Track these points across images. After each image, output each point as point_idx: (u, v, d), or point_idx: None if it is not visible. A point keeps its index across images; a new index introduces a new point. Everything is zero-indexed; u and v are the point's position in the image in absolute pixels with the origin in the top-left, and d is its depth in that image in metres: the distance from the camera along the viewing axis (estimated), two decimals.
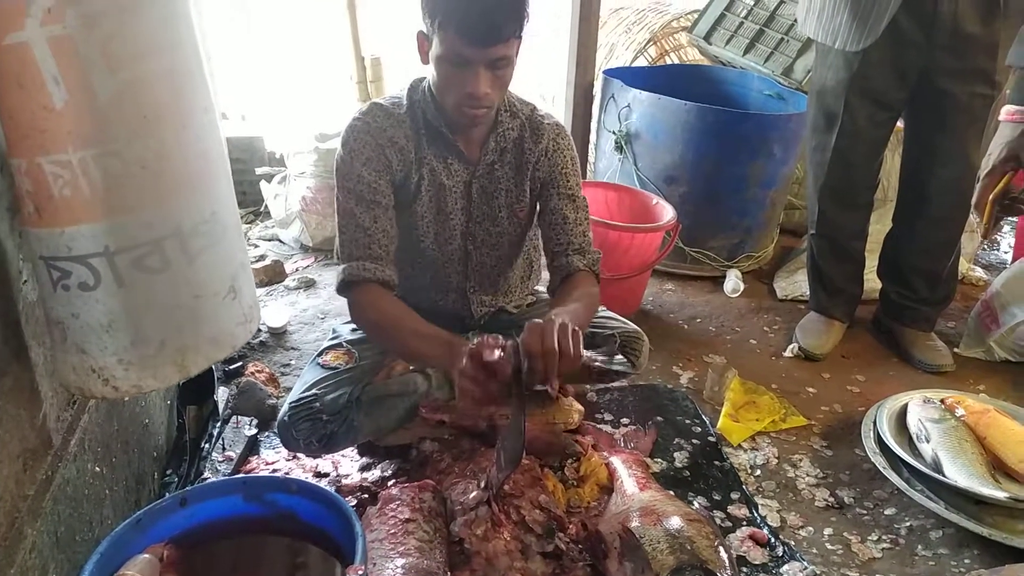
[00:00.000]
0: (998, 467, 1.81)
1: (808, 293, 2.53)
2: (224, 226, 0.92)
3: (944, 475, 1.75)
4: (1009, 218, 2.87)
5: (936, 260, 2.32)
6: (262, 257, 2.88)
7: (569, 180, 1.69)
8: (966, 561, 1.61)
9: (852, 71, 2.06)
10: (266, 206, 3.17)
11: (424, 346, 1.49)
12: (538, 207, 1.73)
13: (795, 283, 2.71)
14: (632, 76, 2.92)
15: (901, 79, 2.05)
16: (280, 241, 3.06)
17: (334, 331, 1.88)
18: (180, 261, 0.87)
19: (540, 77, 3.82)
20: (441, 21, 1.39)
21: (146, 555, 1.22)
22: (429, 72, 1.52)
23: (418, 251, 1.72)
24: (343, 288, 1.59)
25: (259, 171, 3.18)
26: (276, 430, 1.68)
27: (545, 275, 1.82)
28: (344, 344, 1.78)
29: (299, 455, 1.77)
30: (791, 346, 2.39)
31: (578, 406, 1.95)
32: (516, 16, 1.40)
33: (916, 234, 2.29)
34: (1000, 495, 1.66)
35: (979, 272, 2.93)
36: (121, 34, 0.77)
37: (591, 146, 3.24)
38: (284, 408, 1.63)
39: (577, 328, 1.33)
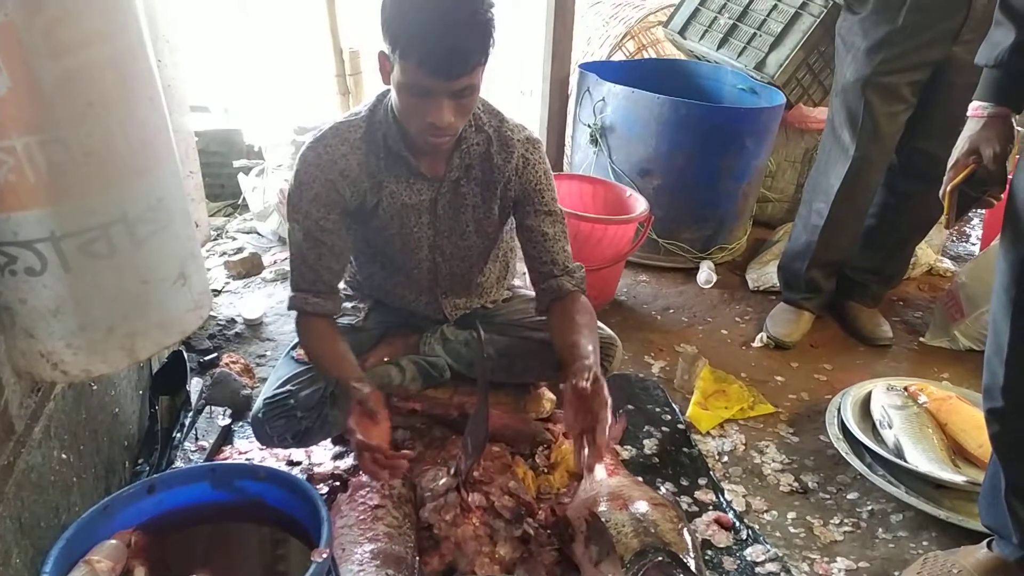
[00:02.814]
0: (958, 452, 1.86)
1: (779, 284, 2.57)
2: (171, 213, 0.93)
3: (905, 460, 1.79)
4: (978, 210, 2.93)
5: (908, 241, 2.41)
6: (240, 250, 2.88)
7: (544, 195, 1.63)
8: (924, 543, 1.65)
9: (872, 67, 2.07)
10: (244, 199, 3.16)
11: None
12: (514, 222, 1.69)
13: (767, 274, 2.74)
14: (607, 70, 2.93)
15: (917, 71, 2.07)
16: (258, 234, 3.06)
17: None
18: (127, 247, 0.88)
19: (518, 71, 3.83)
20: (403, 50, 1.32)
21: (113, 541, 1.23)
22: (392, 92, 1.46)
23: (385, 257, 1.72)
24: (290, 310, 1.62)
25: (237, 164, 3.17)
26: (250, 425, 1.69)
27: (520, 267, 1.82)
28: None
29: None
30: (759, 335, 2.42)
31: (550, 395, 1.97)
32: (482, 45, 1.33)
33: (901, 214, 2.33)
34: (958, 479, 1.71)
35: (947, 263, 2.98)
36: (64, 21, 0.77)
37: (568, 139, 3.26)
38: (258, 404, 1.62)
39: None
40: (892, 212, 2.34)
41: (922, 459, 1.78)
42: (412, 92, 1.36)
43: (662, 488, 1.76)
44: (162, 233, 0.92)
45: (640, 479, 1.72)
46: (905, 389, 2.01)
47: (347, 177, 1.53)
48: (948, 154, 2.21)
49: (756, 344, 2.41)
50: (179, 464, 1.70)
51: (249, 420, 1.76)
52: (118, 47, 0.84)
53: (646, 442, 1.92)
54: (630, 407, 2.05)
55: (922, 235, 2.44)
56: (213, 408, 1.91)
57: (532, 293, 1.97)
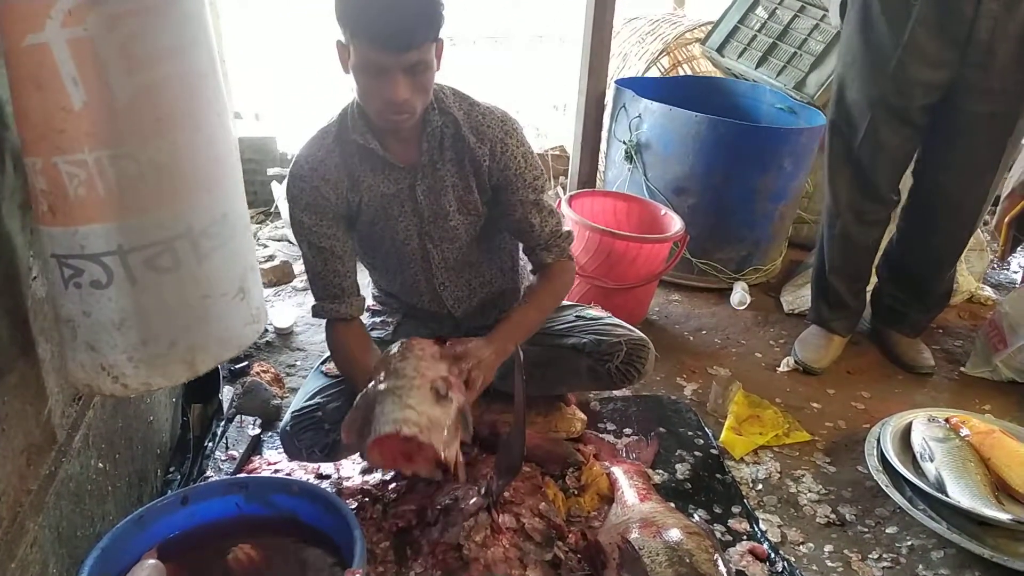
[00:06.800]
0: (1002, 488, 1.81)
1: (810, 302, 2.53)
2: (234, 228, 0.94)
3: (947, 495, 1.74)
4: None
5: (937, 270, 2.34)
6: (271, 257, 2.89)
7: (526, 178, 1.64)
8: None
9: (880, 86, 2.04)
10: (276, 207, 3.18)
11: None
12: (502, 208, 1.69)
13: (802, 297, 2.70)
14: (644, 86, 2.92)
15: (926, 95, 2.03)
16: (289, 241, 3.07)
17: None
18: (190, 261, 0.88)
19: (551, 86, 3.83)
20: (354, 31, 1.39)
21: (152, 561, 1.22)
22: (351, 82, 1.50)
23: (380, 260, 1.75)
24: (315, 317, 1.67)
25: (271, 171, 3.20)
26: (278, 438, 1.69)
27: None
28: None
29: None
30: (786, 359, 2.38)
31: (580, 415, 1.95)
32: (429, 20, 1.40)
33: (922, 243, 2.29)
34: (1003, 517, 1.65)
35: (988, 291, 2.91)
36: (139, 37, 0.78)
37: (601, 155, 3.24)
38: (286, 417, 1.63)
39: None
40: (911, 241, 2.31)
41: (964, 494, 1.73)
42: (367, 72, 1.42)
43: (695, 515, 1.72)
44: (225, 248, 0.92)
45: (672, 505, 1.69)
46: (947, 421, 1.97)
47: (328, 181, 1.57)
48: (965, 187, 2.12)
49: (782, 368, 2.36)
50: (210, 473, 1.70)
51: (278, 433, 1.76)
52: (189, 63, 0.84)
53: (678, 466, 1.89)
54: (662, 429, 2.02)
55: (949, 266, 2.35)
56: (243, 417, 1.91)
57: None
